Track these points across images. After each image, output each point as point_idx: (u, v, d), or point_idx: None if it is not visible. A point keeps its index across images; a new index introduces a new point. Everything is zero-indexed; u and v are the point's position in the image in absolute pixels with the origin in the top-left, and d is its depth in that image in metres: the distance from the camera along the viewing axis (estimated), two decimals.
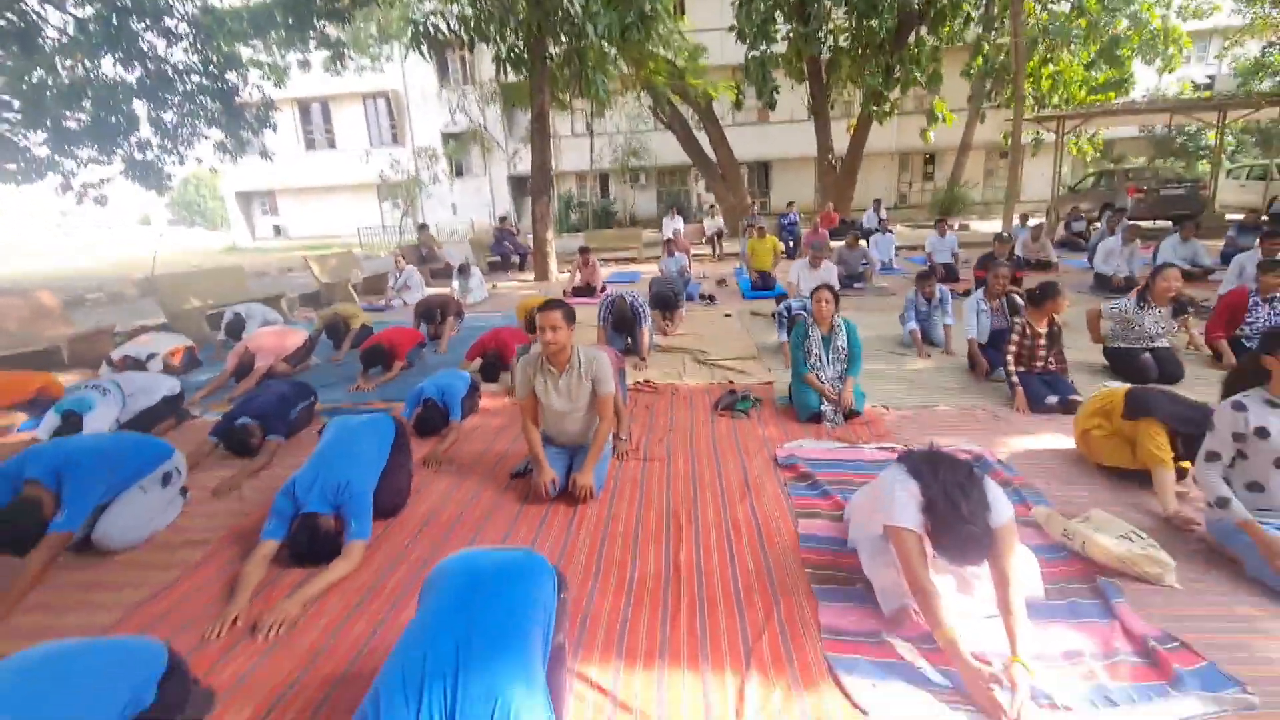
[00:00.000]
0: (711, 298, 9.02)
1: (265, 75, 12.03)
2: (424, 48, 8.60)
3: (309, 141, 26.41)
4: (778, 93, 15.34)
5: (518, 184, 25.82)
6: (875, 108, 15.54)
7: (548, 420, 3.25)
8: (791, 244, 13.15)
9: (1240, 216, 11.56)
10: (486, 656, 1.42)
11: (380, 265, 13.39)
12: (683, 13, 21.41)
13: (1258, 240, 6.17)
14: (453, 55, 22.84)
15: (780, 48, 15.43)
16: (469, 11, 7.36)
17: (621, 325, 5.81)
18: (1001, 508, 1.95)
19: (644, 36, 8.39)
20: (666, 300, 6.82)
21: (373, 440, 2.93)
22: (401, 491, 3.07)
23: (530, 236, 12.32)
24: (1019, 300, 4.88)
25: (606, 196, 26.01)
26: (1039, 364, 4.24)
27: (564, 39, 7.11)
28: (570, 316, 3.08)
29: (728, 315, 7.91)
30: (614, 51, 7.93)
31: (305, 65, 11.85)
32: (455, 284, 9.25)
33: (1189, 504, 2.80)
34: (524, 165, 23.45)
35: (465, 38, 7.09)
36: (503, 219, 15.83)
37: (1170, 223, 13.54)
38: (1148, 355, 4.48)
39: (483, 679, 1.37)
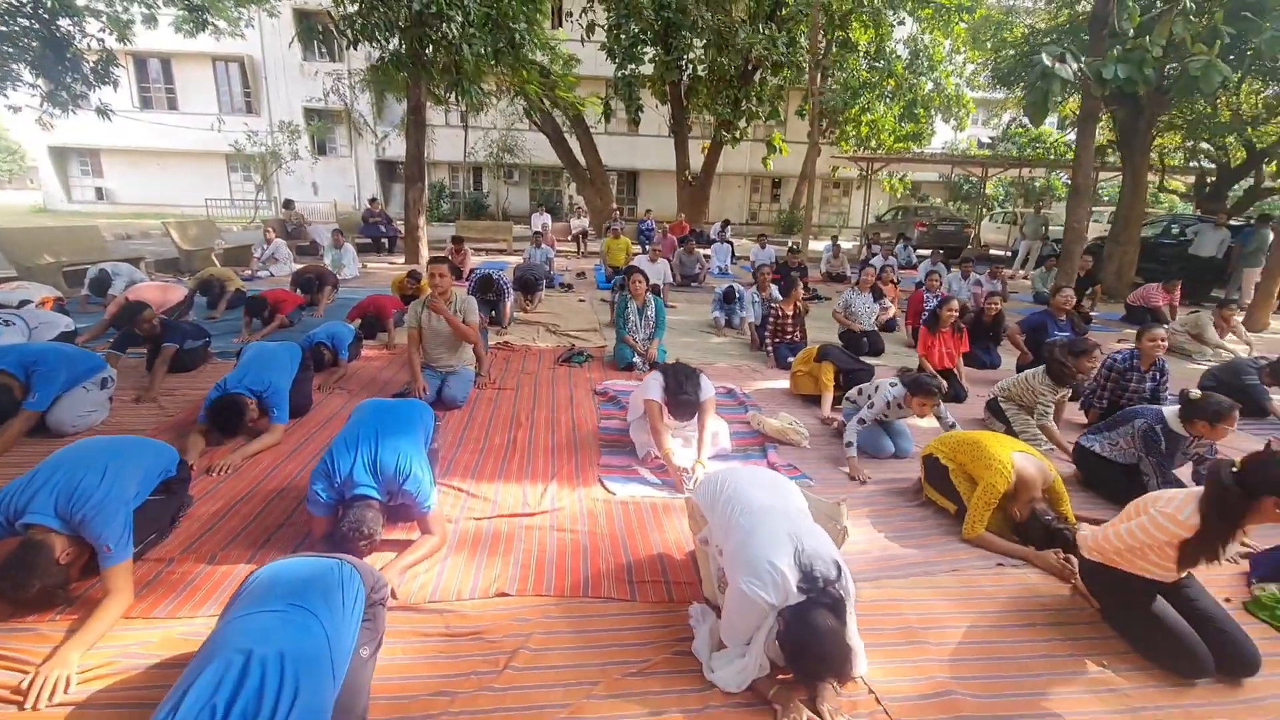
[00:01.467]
0: (569, 286, 10.34)
1: (106, 27, 11.50)
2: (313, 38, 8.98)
3: (144, 100, 24.20)
4: (642, 111, 16.99)
5: (386, 168, 25.53)
6: (725, 134, 17.78)
7: (427, 347, 4.39)
8: (645, 246, 14.84)
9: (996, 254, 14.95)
10: (394, 433, 2.60)
11: (238, 238, 13.21)
12: (560, 23, 22.68)
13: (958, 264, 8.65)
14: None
15: (648, 69, 17.17)
16: (352, 9, 8.00)
17: (486, 291, 6.89)
18: (708, 390, 3.45)
19: (515, 59, 9.48)
20: (528, 283, 8.02)
21: (286, 356, 3.88)
22: (308, 396, 4.07)
23: (400, 222, 12.89)
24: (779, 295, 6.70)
25: (479, 189, 26.49)
26: (788, 335, 6.02)
27: (442, 53, 7.97)
28: (455, 271, 4.27)
29: (581, 300, 9.27)
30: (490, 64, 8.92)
31: (151, 21, 11.50)
32: (328, 257, 9.75)
33: (838, 413, 4.53)
34: (394, 150, 23.36)
35: (350, 37, 7.72)
36: (372, 201, 16.05)
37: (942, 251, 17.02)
38: (863, 336, 6.45)
39: (391, 441, 2.56)
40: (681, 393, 3.35)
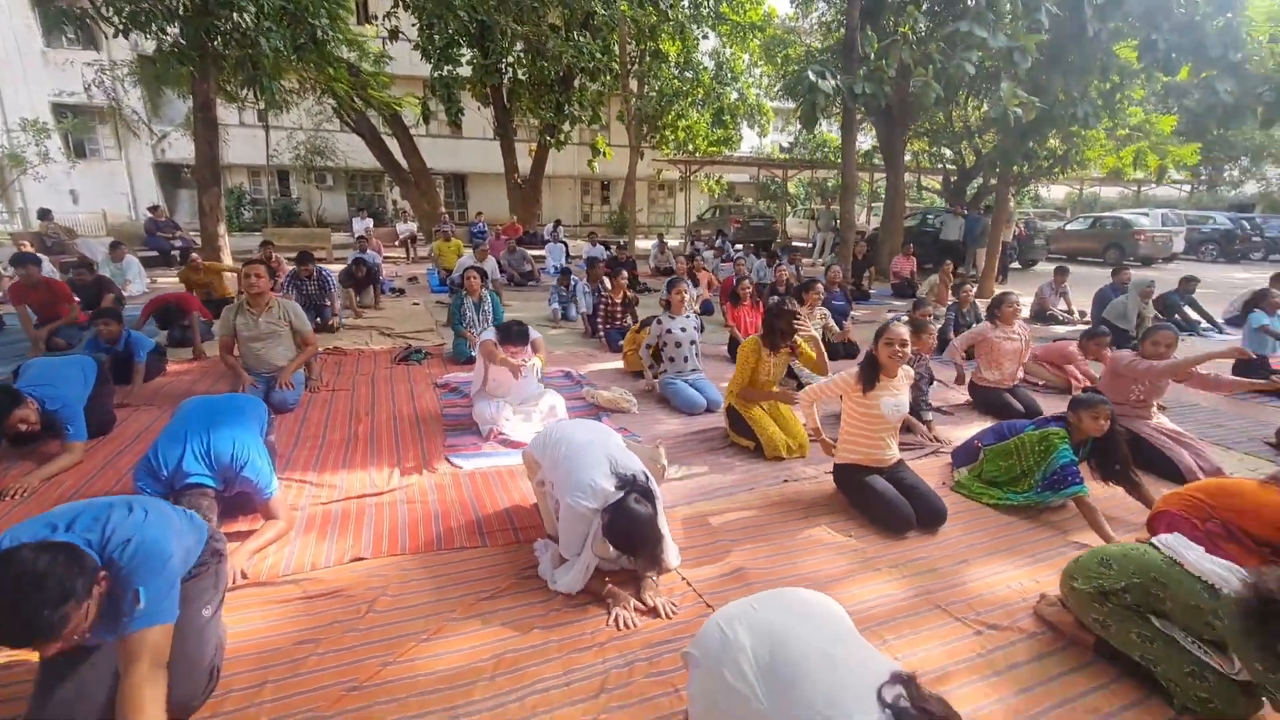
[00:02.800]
0: (401, 290, 10.09)
1: None
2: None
3: None
4: (462, 113, 16.78)
5: (168, 172, 22.50)
6: (549, 138, 18.16)
7: (246, 354, 4.24)
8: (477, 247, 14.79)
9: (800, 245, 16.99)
10: (228, 424, 2.63)
11: None
12: (370, 19, 21.51)
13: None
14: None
15: (467, 71, 16.96)
16: None
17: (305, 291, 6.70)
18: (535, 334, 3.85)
19: (319, 56, 9.02)
20: (358, 278, 7.81)
21: (77, 369, 3.57)
22: (109, 412, 3.76)
23: (193, 231, 11.60)
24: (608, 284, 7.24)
25: (288, 195, 24.30)
26: (618, 321, 6.55)
27: (235, 47, 7.38)
28: (270, 271, 4.16)
29: (415, 304, 9.13)
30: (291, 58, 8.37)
31: None
32: (107, 270, 8.57)
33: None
34: (176, 152, 20.62)
35: (118, 25, 6.82)
36: (154, 209, 14.19)
37: (755, 244, 18.95)
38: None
39: (225, 431, 2.58)
40: (513, 326, 3.78)
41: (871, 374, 2.98)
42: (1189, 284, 7.98)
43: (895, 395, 3.02)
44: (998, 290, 6.30)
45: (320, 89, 14.16)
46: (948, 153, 20.11)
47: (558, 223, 17.39)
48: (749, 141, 31.35)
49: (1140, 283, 6.91)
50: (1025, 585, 2.49)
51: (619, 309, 6.58)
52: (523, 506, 3.02)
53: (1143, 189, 30.17)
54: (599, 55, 17.08)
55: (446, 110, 16.90)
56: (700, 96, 23.19)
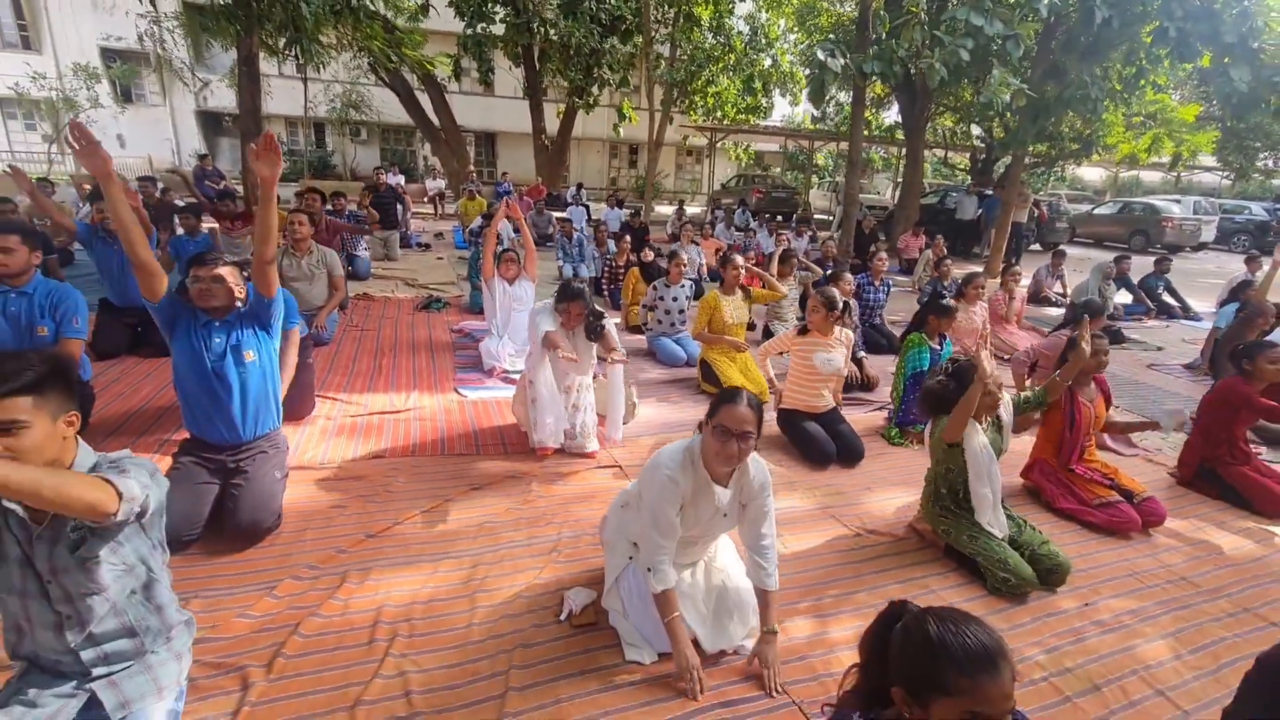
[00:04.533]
0: (427, 245, 10.73)
1: None
2: None
3: None
4: (493, 72, 17.08)
5: (210, 121, 23.27)
6: (578, 100, 18.41)
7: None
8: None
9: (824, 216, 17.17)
10: None
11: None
12: None
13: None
14: None
15: (500, 29, 17.20)
16: None
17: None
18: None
19: (354, 21, 9.50)
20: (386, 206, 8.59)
21: None
22: None
23: (234, 180, 12.30)
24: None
25: (323, 146, 24.97)
26: (621, 281, 7.09)
27: (279, 9, 7.88)
28: (313, 220, 4.79)
29: (439, 258, 9.76)
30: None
31: None
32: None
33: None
34: (217, 100, 21.34)
35: None
36: (203, 157, 14.97)
37: (780, 216, 19.16)
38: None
39: None
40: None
41: (805, 328, 3.55)
42: (1163, 264, 8.26)
43: (829, 352, 3.55)
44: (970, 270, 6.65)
45: (357, 46, 14.62)
46: (977, 130, 19.89)
47: (580, 186, 17.77)
48: (781, 109, 31.03)
49: (1102, 265, 7.24)
50: (909, 506, 3.05)
51: (621, 271, 7.11)
52: (514, 428, 3.65)
53: (1183, 176, 29.29)
54: (630, 16, 17.13)
55: (478, 68, 17.27)
56: (732, 62, 23.06)
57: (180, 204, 7.15)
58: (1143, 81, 10.12)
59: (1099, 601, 2.42)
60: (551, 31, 17.91)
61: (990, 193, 14.72)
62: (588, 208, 15.64)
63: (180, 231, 5.51)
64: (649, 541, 1.89)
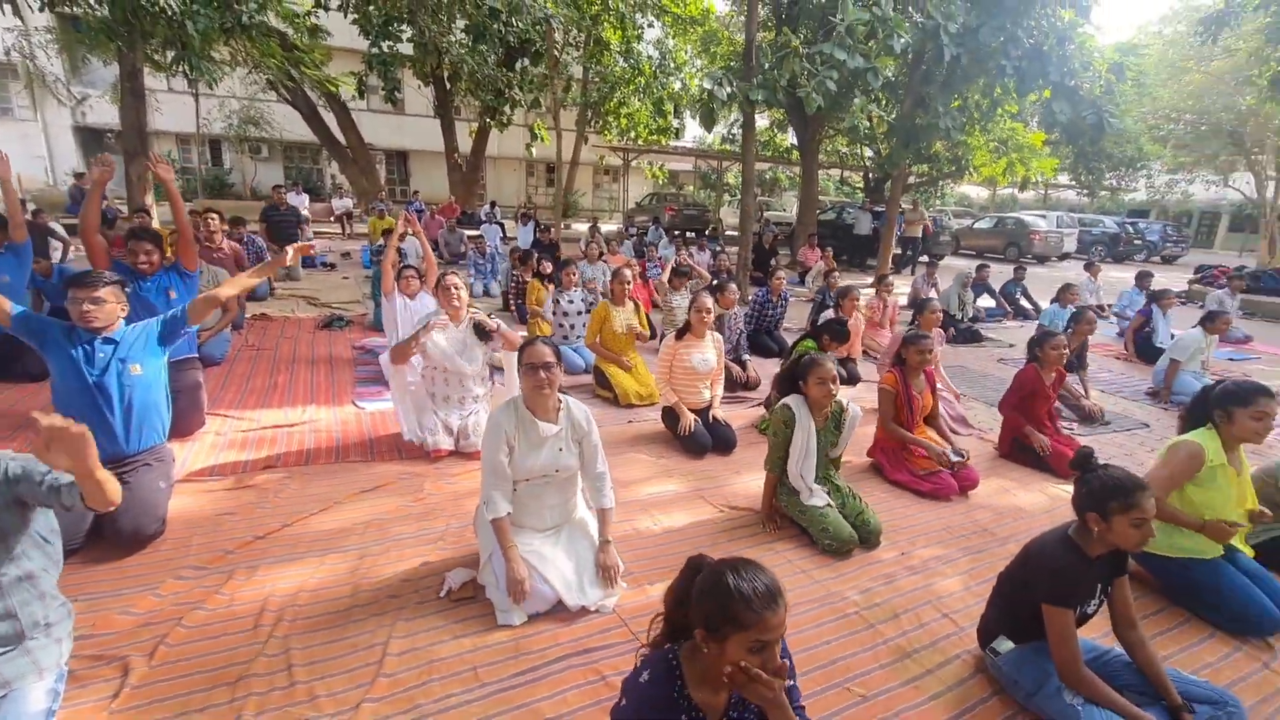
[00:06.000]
0: (333, 265, 10.55)
1: None
2: None
3: None
4: (399, 91, 16.93)
5: (90, 137, 21.71)
6: (491, 120, 18.52)
7: None
8: None
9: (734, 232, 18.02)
10: None
11: None
12: None
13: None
14: None
15: (408, 48, 17.06)
16: None
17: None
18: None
19: (248, 39, 9.31)
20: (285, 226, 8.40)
21: None
22: None
23: (119, 201, 11.63)
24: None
25: (220, 164, 23.77)
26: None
27: (162, 27, 7.62)
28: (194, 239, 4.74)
29: (345, 278, 9.64)
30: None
31: None
32: None
33: None
34: (98, 115, 19.95)
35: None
36: (79, 175, 14.02)
37: (691, 233, 19.94)
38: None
39: None
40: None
41: (683, 332, 3.91)
42: (1020, 272, 9.40)
43: (703, 353, 3.94)
44: (845, 283, 7.31)
45: (253, 62, 14.17)
46: (868, 151, 21.51)
47: (493, 204, 17.85)
48: (694, 130, 32.21)
49: (961, 274, 8.17)
50: None
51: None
52: (408, 439, 3.80)
53: (1050, 194, 32.69)
54: (539, 39, 17.47)
55: (385, 87, 17.06)
56: (642, 85, 23.85)
57: (54, 226, 6.79)
58: (999, 111, 11.43)
59: (913, 551, 2.88)
60: (462, 51, 17.99)
61: (882, 209, 16.01)
62: (502, 225, 15.77)
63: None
64: (484, 482, 2.28)
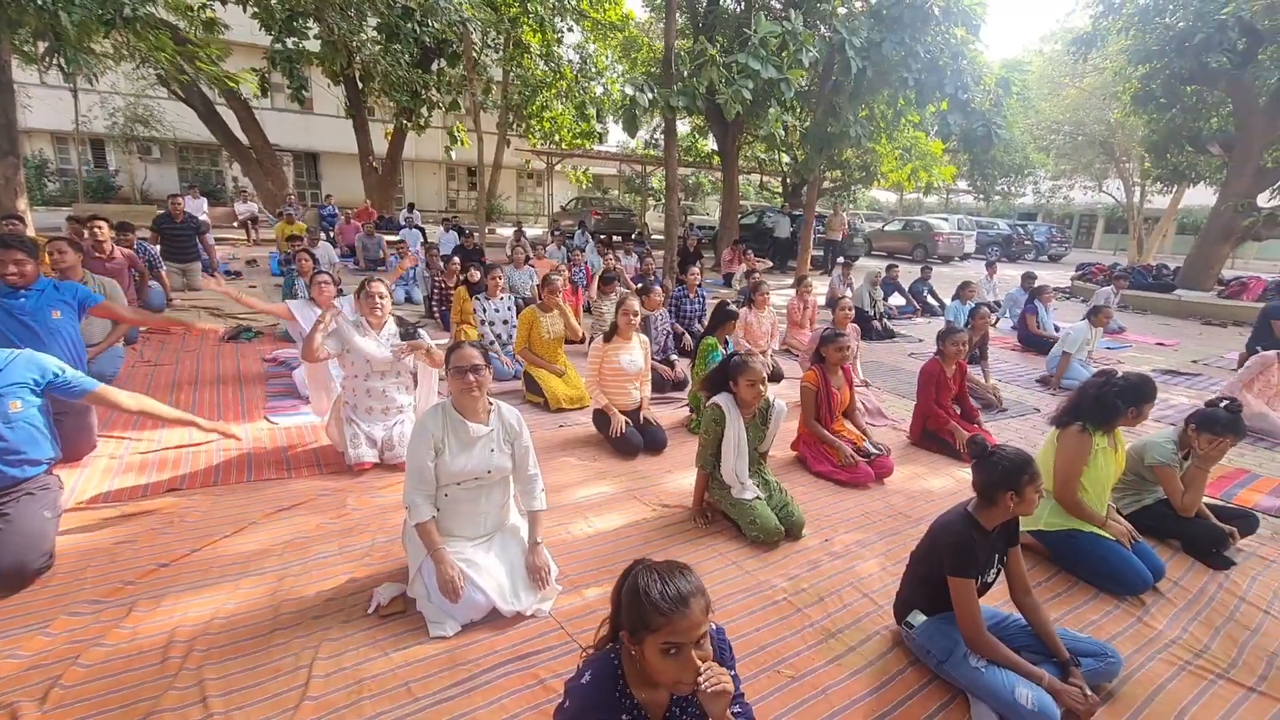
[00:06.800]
0: (238, 273, 9.92)
1: None
2: None
3: None
4: (305, 89, 16.15)
5: None
6: (407, 122, 17.95)
7: None
8: (328, 233, 14.50)
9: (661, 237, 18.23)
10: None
11: None
12: None
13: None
14: None
15: (316, 46, 16.26)
16: None
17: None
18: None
19: (132, 32, 8.63)
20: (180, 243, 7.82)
21: None
22: None
23: None
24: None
25: (104, 166, 21.82)
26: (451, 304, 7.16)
27: (31, 16, 6.91)
28: (76, 246, 4.36)
29: (252, 286, 9.09)
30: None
31: None
32: None
33: None
34: None
35: None
36: None
37: (618, 236, 20.03)
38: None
39: None
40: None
41: (611, 334, 3.95)
42: (926, 272, 10.06)
43: (631, 354, 4.00)
44: (760, 279, 7.57)
45: (140, 56, 13.13)
46: (785, 157, 22.36)
47: (412, 206, 17.32)
48: (618, 135, 32.44)
49: (872, 274, 8.67)
50: None
51: (452, 292, 7.18)
52: (330, 449, 3.65)
53: (951, 198, 35.04)
54: (456, 40, 17.09)
55: (291, 85, 16.19)
56: (564, 89, 23.78)
57: None
58: (903, 120, 12.16)
59: (835, 537, 3.03)
60: (375, 50, 17.31)
61: (800, 213, 16.68)
62: (422, 230, 15.31)
63: None
64: (407, 487, 2.25)
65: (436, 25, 15.28)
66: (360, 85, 17.96)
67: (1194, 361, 7.66)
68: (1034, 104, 23.49)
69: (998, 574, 2.12)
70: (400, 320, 3.49)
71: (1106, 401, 2.77)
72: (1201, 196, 18.66)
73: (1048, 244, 24.28)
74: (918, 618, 2.15)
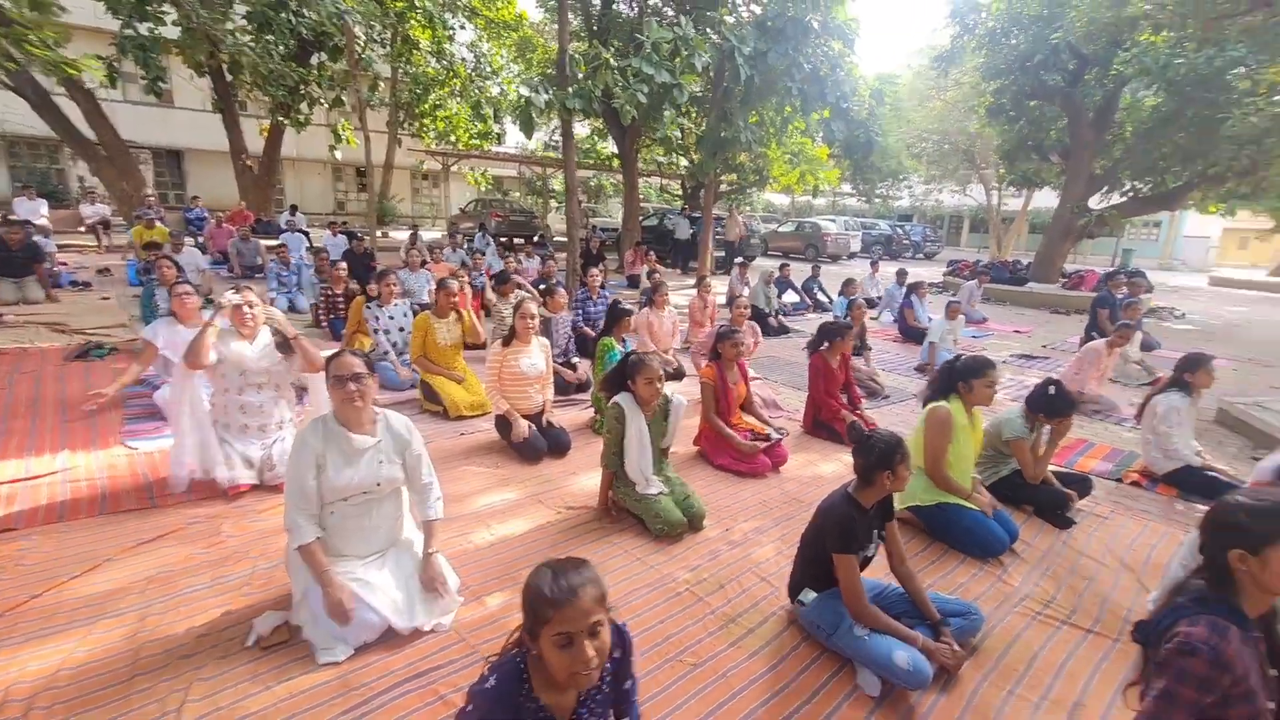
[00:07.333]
0: (87, 284, 8.87)
1: None
2: None
3: None
4: (164, 81, 14.66)
5: None
6: (284, 118, 16.74)
7: None
8: (198, 237, 13.31)
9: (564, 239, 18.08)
10: None
11: None
12: None
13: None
14: None
15: (175, 32, 14.78)
16: None
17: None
18: None
19: None
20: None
21: None
22: None
23: None
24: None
25: None
26: (340, 312, 6.75)
27: None
28: None
29: (105, 298, 8.16)
30: None
31: None
32: None
33: None
34: None
35: None
36: None
37: (520, 239, 19.70)
38: None
39: None
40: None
41: (509, 338, 3.90)
42: (816, 270, 10.68)
43: (531, 357, 3.95)
44: (659, 279, 7.73)
45: None
46: (683, 161, 22.90)
47: (294, 209, 16.21)
48: (516, 136, 31.88)
49: (766, 272, 9.11)
50: None
51: (340, 300, 6.79)
52: (200, 478, 3.33)
53: (836, 200, 37.31)
54: (338, 32, 16.16)
55: (145, 75, 14.62)
56: (458, 88, 23.11)
57: None
58: (791, 126, 12.80)
59: (735, 527, 3.15)
60: (244, 39, 16.00)
61: (699, 215, 17.14)
62: (306, 234, 14.34)
63: None
64: (287, 507, 2.12)
65: (313, 16, 14.37)
66: (229, 78, 16.54)
67: (1044, 346, 8.61)
68: (906, 114, 25.48)
69: (877, 548, 2.29)
70: (277, 333, 3.26)
71: (944, 375, 3.19)
72: (1048, 199, 20.99)
73: (923, 243, 26.40)
74: (808, 595, 2.28)
